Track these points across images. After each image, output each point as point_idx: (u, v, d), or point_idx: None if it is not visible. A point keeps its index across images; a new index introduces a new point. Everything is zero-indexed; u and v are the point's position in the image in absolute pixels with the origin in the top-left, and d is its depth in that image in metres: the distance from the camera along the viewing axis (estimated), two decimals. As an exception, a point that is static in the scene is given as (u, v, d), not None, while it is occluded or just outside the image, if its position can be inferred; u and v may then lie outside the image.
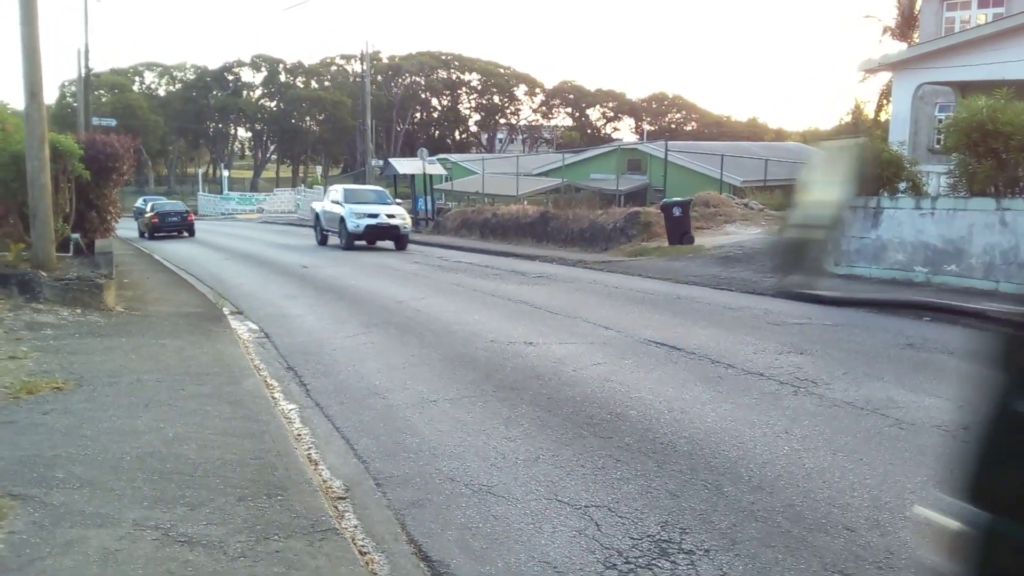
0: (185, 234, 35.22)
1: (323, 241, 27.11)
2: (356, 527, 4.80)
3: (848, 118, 50.96)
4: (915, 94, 19.87)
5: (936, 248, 13.22)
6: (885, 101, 32.05)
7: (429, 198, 36.34)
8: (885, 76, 24.92)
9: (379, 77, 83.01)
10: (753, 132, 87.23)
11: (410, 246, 27.19)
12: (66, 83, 75.88)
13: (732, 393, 7.42)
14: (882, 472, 5.44)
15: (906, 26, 36.67)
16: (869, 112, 46.99)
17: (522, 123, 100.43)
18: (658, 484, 5.28)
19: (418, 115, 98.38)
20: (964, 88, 19.46)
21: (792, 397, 7.26)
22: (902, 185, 14.62)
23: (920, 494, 5.06)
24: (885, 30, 39.03)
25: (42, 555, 3.97)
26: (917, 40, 29.21)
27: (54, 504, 4.58)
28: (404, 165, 37.47)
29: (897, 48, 28.76)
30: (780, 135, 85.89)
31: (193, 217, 37.25)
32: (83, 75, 37.95)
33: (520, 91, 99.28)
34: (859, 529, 4.59)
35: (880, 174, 14.32)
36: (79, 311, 10.92)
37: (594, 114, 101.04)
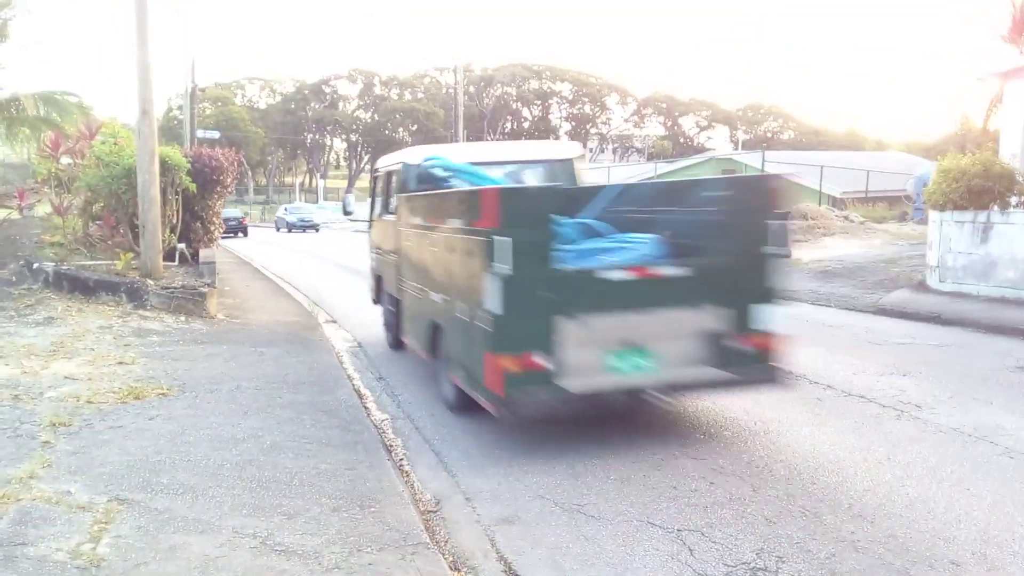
0: (240, 235, 43.38)
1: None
2: (447, 542, 4.82)
3: (955, 128, 49.02)
4: (1028, 103, 18.94)
5: (1051, 265, 12.58)
6: (996, 111, 30.69)
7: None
8: (996, 85, 23.87)
9: (471, 88, 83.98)
10: (853, 142, 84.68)
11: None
12: (173, 96, 79.18)
13: (831, 416, 7.19)
14: (990, 503, 5.19)
15: (1019, 32, 35.06)
16: (978, 122, 45.11)
17: (613, 133, 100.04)
18: (753, 509, 5.14)
19: (509, 125, 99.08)
20: (1082, 97, 18.46)
21: (894, 421, 6.99)
22: (1014, 199, 13.95)
23: (1035, 529, 4.80)
24: (997, 37, 37.39)
25: (146, 560, 4.11)
26: (1030, 46, 27.89)
27: (158, 509, 4.75)
28: (495, 176, 37.80)
29: (1010, 55, 27.52)
30: (882, 145, 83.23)
31: (247, 221, 48.92)
32: (189, 90, 39.49)
33: (611, 100, 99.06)
34: (965, 564, 4.38)
35: (991, 187, 13.70)
36: (183, 318, 11.33)
37: (687, 123, 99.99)
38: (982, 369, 8.99)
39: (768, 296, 6.56)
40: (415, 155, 9.25)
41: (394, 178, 9.64)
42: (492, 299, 5.74)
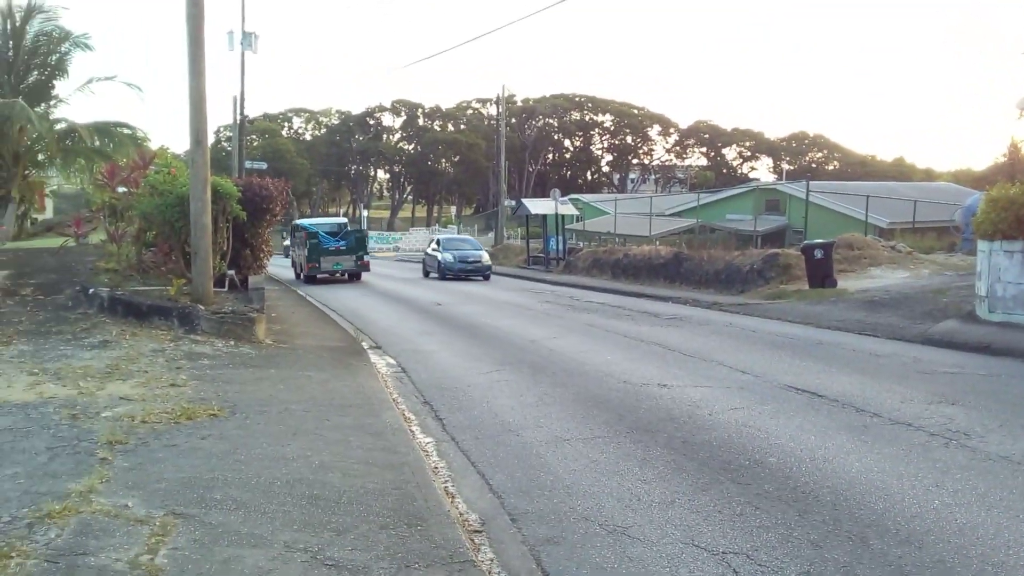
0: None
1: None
2: (492, 560, 4.88)
3: (1004, 157, 48.28)
4: (1079, 131, 18.76)
5: (1105, 295, 12.36)
6: (1045, 139, 30.23)
7: (560, 238, 36.65)
8: (1045, 113, 23.57)
9: (513, 120, 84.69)
10: (900, 172, 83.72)
11: (541, 285, 27.55)
12: (221, 128, 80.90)
13: (878, 443, 7.13)
14: (1044, 532, 5.11)
15: (1068, 60, 34.56)
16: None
17: (655, 163, 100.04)
18: (799, 533, 5.13)
19: (550, 156, 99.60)
20: None
21: (943, 449, 6.92)
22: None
23: (1089, 558, 4.72)
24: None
25: (201, 571, 4.22)
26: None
27: (212, 523, 4.87)
28: (536, 205, 38.01)
29: (1058, 83, 27.17)
30: (929, 175, 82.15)
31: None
32: (238, 121, 40.43)
33: (653, 131, 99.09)
34: (1019, 592, 4.33)
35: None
36: (232, 343, 11.57)
37: (730, 154, 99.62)
38: (1034, 399, 8.84)
39: (364, 250, 31.10)
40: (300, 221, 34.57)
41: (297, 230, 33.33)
42: (304, 253, 29.84)
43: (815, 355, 11.94)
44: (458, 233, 53.67)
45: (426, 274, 33.82)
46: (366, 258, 30.83)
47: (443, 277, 31.03)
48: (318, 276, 29.48)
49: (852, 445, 7.08)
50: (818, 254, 20.10)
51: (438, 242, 34.34)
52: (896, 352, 12.12)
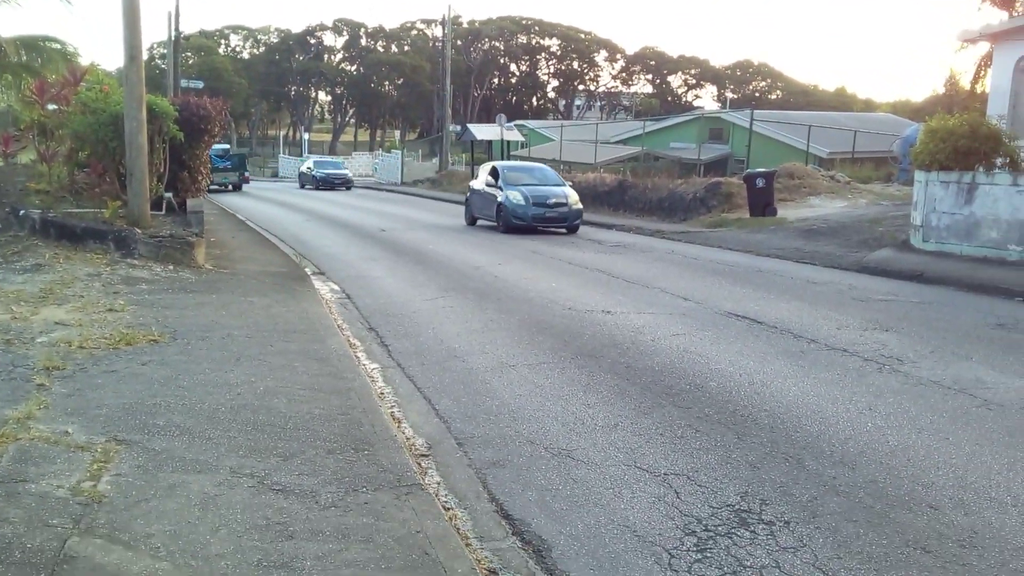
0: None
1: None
2: (439, 484, 4.94)
3: (943, 89, 48.99)
4: (1016, 66, 18.96)
5: (1033, 226, 12.75)
6: (984, 73, 30.69)
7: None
8: (984, 47, 23.88)
9: (458, 42, 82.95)
10: (841, 102, 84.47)
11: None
12: (155, 45, 77.86)
13: (814, 368, 7.33)
14: (968, 452, 5.34)
15: (1009, -7, 34.94)
16: (966, 84, 45.10)
17: (601, 90, 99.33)
18: (738, 455, 5.28)
19: (496, 80, 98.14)
20: (1070, 59, 18.53)
21: (877, 374, 7.14)
22: (999, 160, 14.07)
23: (1007, 475, 4.96)
24: (987, -2, 37.23)
25: (147, 497, 4.19)
26: (1020, 9, 27.88)
27: (156, 450, 4.82)
28: (482, 131, 37.64)
29: (998, 17, 27.45)
30: (870, 106, 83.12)
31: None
32: (173, 38, 38.92)
33: (600, 57, 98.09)
34: (943, 508, 4.54)
35: (977, 149, 13.80)
36: (171, 267, 11.33)
37: (675, 81, 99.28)
38: (963, 326, 9.17)
39: (244, 168, 43.69)
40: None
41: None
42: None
43: (755, 282, 12.16)
44: (403, 159, 52.34)
45: (472, 221, 22.48)
46: (247, 174, 43.98)
47: (508, 228, 20.01)
48: (210, 188, 34.73)
49: (789, 370, 7.27)
50: (759, 183, 20.32)
51: (495, 172, 21.57)
52: (833, 280, 12.41)
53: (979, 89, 36.44)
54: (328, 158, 57.11)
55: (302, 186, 45.62)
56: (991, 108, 18.10)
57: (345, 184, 43.75)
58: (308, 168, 46.52)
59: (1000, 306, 10.31)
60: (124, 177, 12.75)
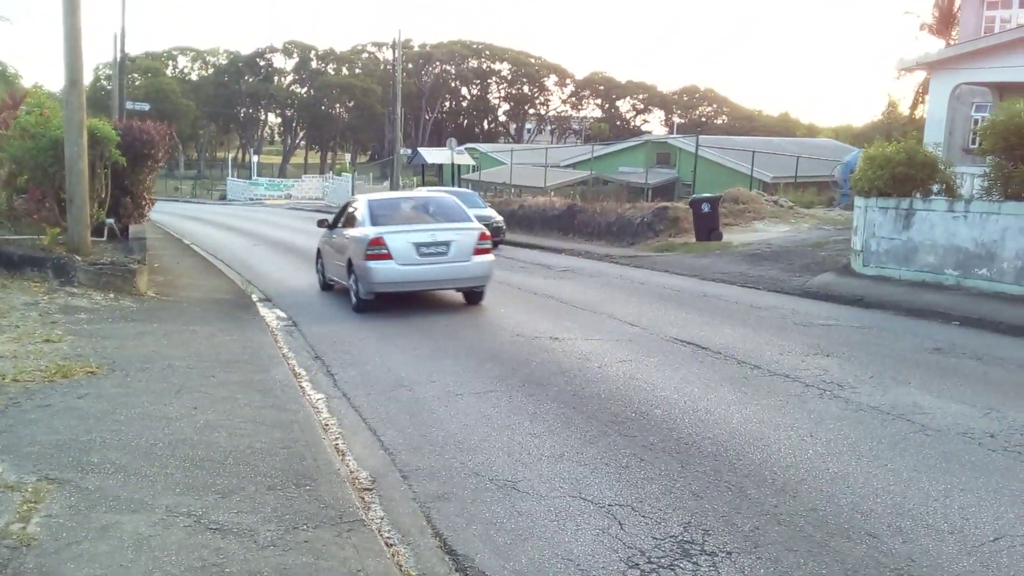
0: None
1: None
2: (383, 519, 4.88)
3: (883, 115, 50.34)
4: (952, 94, 19.57)
5: (968, 252, 13.08)
6: (921, 99, 31.62)
7: (457, 188, 36.40)
8: (921, 74, 24.59)
9: (410, 65, 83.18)
10: (785, 127, 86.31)
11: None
12: (100, 66, 76.73)
13: (758, 394, 7.42)
14: (906, 478, 5.44)
15: (944, 24, 36.12)
16: (904, 110, 46.41)
17: (551, 114, 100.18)
18: (682, 484, 5.31)
19: (447, 104, 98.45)
20: (1002, 89, 19.18)
21: (818, 400, 7.25)
22: (936, 187, 14.45)
23: (944, 502, 5.05)
24: (923, 27, 38.47)
25: (78, 539, 4.07)
26: (956, 38, 28.78)
27: (89, 488, 4.69)
28: (433, 154, 37.68)
29: (935, 46, 28.39)
30: (812, 131, 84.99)
31: None
32: (119, 59, 38.30)
33: (550, 81, 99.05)
34: (882, 536, 4.60)
35: (914, 175, 14.17)
36: (112, 295, 11.10)
37: (624, 106, 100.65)
38: (901, 350, 9.36)
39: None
40: None
41: None
42: None
43: (700, 307, 12.29)
44: (354, 182, 51.72)
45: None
46: None
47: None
48: None
49: (733, 396, 7.34)
50: (705, 208, 20.60)
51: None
52: (776, 304, 12.60)
53: (918, 115, 37.47)
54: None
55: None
56: (928, 135, 18.61)
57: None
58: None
59: (937, 330, 10.56)
60: (64, 203, 12.49)
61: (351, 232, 12.48)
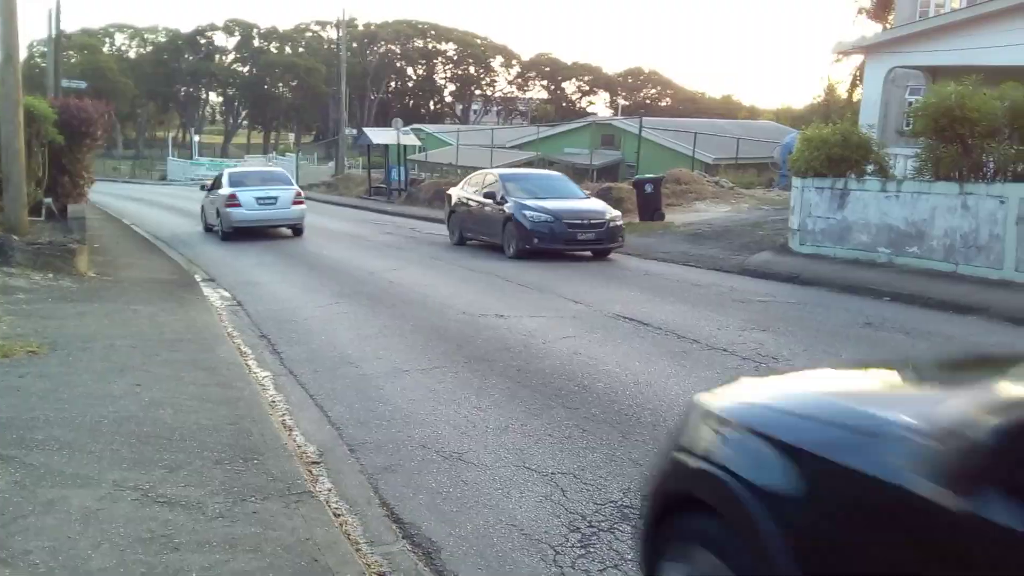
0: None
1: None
2: (330, 490, 4.96)
3: (822, 97, 51.34)
4: (887, 77, 20.09)
5: (899, 230, 13.52)
6: (858, 82, 32.39)
7: (402, 169, 36.19)
8: (859, 58, 25.18)
9: (354, 44, 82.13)
10: (727, 109, 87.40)
11: (382, 216, 27.29)
12: (35, 43, 74.21)
13: (696, 368, 7.65)
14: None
15: (882, 8, 36.93)
16: (842, 92, 47.40)
17: (497, 95, 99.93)
18: (622, 453, 5.49)
19: (393, 84, 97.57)
20: (935, 73, 19.73)
21: (753, 372, 7.49)
22: (870, 168, 14.88)
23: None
24: (861, 11, 39.31)
25: (24, 513, 4.09)
26: (892, 22, 29.48)
27: (34, 464, 4.70)
28: (378, 135, 37.33)
29: (872, 29, 29.03)
30: (754, 113, 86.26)
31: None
32: (54, 36, 37.27)
33: (496, 62, 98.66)
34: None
35: (848, 156, 14.56)
36: (51, 276, 10.93)
37: (570, 87, 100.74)
38: (834, 325, 9.69)
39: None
40: None
41: None
42: None
43: (643, 285, 12.53)
44: (298, 162, 51.19)
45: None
46: None
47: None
48: None
49: (672, 370, 7.56)
50: (648, 188, 20.88)
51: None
52: (716, 282, 12.90)
53: (855, 98, 38.28)
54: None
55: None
56: (863, 117, 19.10)
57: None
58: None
59: (869, 306, 10.93)
60: (0, 183, 12.23)
61: (218, 192, 19.53)
